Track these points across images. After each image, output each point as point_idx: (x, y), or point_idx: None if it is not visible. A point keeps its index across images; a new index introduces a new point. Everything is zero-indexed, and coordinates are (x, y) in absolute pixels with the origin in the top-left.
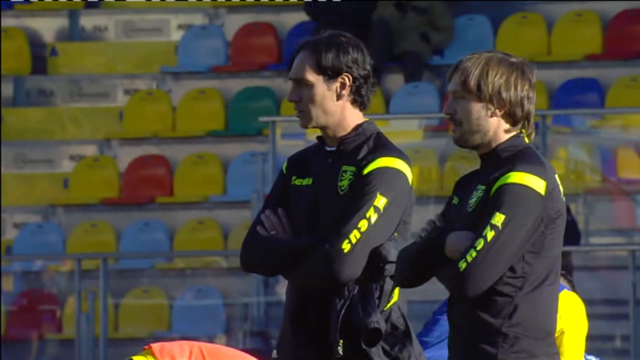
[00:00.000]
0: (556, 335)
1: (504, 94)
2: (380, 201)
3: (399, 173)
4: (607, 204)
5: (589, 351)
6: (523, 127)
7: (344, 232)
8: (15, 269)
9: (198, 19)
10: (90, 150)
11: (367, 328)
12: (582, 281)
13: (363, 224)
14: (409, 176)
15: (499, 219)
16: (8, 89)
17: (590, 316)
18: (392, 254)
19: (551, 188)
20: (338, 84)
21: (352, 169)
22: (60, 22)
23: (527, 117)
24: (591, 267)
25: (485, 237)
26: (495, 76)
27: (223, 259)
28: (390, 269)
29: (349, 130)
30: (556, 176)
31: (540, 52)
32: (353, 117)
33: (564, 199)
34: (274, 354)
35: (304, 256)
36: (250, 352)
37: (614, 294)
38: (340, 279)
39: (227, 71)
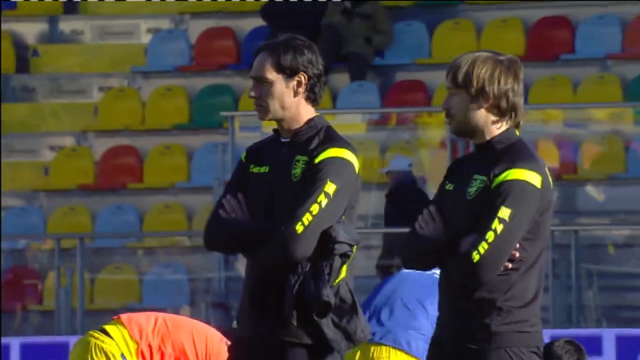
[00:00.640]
0: None
1: (487, 88)
2: (330, 187)
3: (347, 162)
4: None
5: None
6: (511, 117)
7: (297, 215)
8: (4, 247)
9: (165, 24)
10: (68, 142)
11: (319, 301)
12: None
13: (315, 208)
14: (356, 165)
15: (505, 212)
16: None
17: None
18: (341, 234)
19: (545, 181)
20: (295, 82)
21: (305, 158)
22: (41, 26)
23: (513, 109)
24: None
25: (495, 230)
26: (480, 71)
27: (187, 239)
28: (339, 248)
29: (302, 123)
30: (546, 168)
31: None
32: (306, 111)
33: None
34: (234, 324)
35: (261, 237)
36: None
37: None
38: (294, 257)
39: (191, 70)
